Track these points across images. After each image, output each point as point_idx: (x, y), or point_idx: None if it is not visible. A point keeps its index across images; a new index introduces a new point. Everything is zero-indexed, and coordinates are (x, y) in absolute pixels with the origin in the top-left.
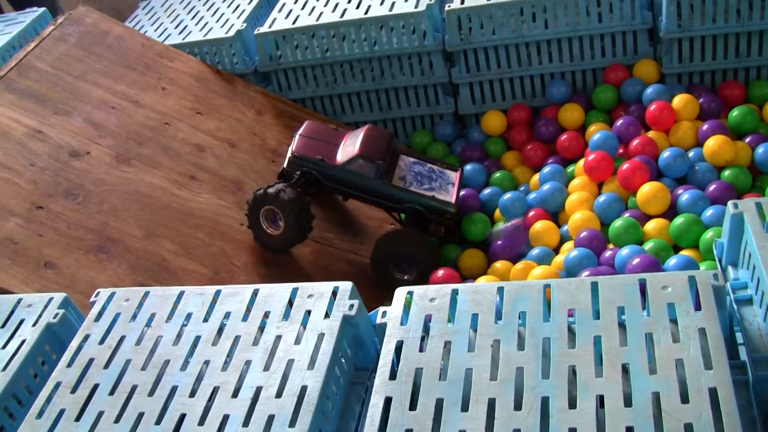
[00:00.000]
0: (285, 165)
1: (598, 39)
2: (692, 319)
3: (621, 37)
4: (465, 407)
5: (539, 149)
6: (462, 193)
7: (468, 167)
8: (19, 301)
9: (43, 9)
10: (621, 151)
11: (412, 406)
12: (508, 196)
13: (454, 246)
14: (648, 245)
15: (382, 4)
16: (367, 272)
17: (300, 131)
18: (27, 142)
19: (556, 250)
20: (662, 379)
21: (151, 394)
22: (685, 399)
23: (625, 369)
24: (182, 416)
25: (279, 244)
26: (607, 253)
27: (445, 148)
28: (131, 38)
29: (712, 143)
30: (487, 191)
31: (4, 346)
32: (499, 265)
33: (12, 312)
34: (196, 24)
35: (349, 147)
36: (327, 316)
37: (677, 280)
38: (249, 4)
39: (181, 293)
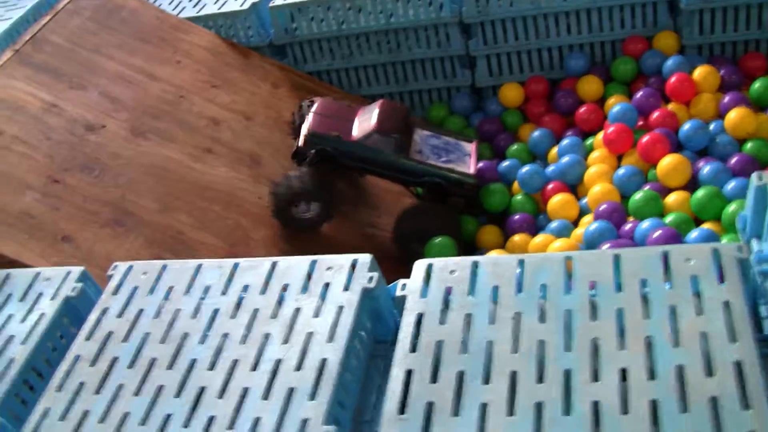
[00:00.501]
0: (300, 144)
1: (618, 10)
2: (716, 292)
3: (641, 8)
4: (486, 380)
5: (557, 121)
6: (480, 165)
7: (536, 133)
8: (37, 275)
9: None
10: (641, 123)
11: (433, 378)
12: (526, 168)
13: (471, 219)
14: (669, 218)
15: None
16: (385, 245)
17: (313, 109)
18: (43, 116)
19: (575, 223)
20: (686, 352)
21: (170, 367)
22: (709, 372)
23: (648, 342)
24: (202, 389)
25: (310, 225)
26: (627, 226)
27: (463, 120)
28: (145, 11)
29: (734, 115)
30: (505, 164)
31: (23, 320)
32: (517, 238)
33: (30, 286)
34: None
35: (364, 123)
36: (346, 288)
37: (701, 253)
38: None
39: (199, 266)
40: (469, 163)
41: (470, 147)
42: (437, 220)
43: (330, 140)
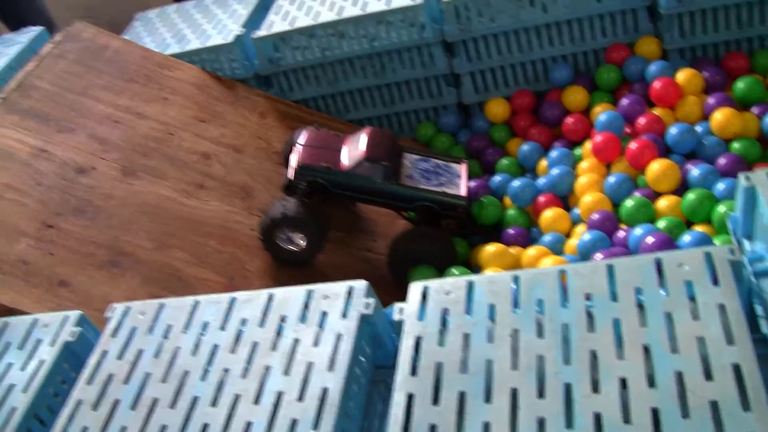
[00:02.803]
0: (291, 177)
1: (598, 19)
2: (711, 296)
3: (621, 15)
4: (488, 398)
5: (544, 133)
6: (472, 184)
7: (524, 147)
8: (35, 322)
9: (41, 28)
10: (627, 130)
11: (435, 401)
12: (517, 183)
13: (462, 240)
14: (661, 223)
15: None
16: (380, 269)
17: (301, 140)
18: (32, 162)
19: (568, 235)
20: (685, 358)
21: (172, 406)
22: (708, 376)
23: (646, 350)
24: (205, 426)
25: (301, 258)
26: (621, 234)
27: (450, 138)
28: (130, 51)
29: (719, 116)
30: (496, 179)
31: (23, 368)
32: (512, 251)
33: (29, 333)
34: (194, 32)
35: (353, 151)
36: (344, 316)
37: (693, 257)
38: (245, 8)
39: (197, 303)
40: (459, 184)
41: (460, 168)
42: (431, 244)
43: (320, 171)
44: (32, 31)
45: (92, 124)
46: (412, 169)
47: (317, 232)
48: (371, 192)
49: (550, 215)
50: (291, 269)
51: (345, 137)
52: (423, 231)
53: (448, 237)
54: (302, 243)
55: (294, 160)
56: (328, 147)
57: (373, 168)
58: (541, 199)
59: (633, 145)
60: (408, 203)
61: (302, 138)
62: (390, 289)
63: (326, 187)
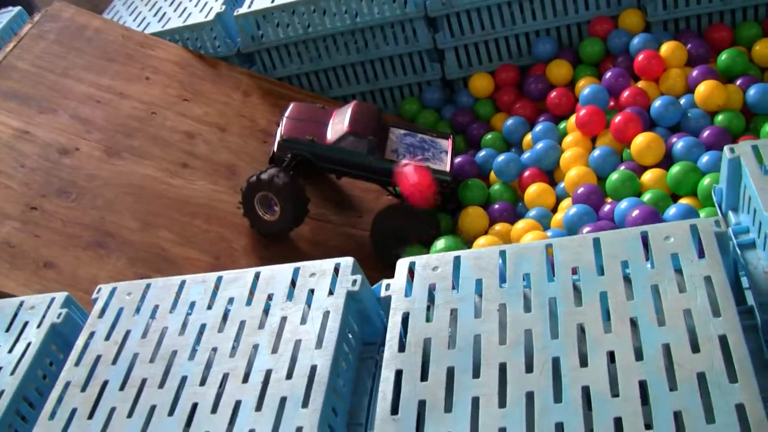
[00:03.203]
0: (275, 149)
1: None
2: (697, 268)
3: None
4: (476, 374)
5: (528, 108)
6: (458, 159)
7: (509, 121)
8: (21, 304)
9: (18, 8)
10: (612, 103)
11: (424, 376)
12: (501, 158)
13: (445, 215)
14: (646, 196)
15: None
16: (367, 245)
17: (287, 113)
18: (15, 144)
19: (554, 210)
20: (671, 330)
21: (161, 386)
22: (695, 348)
23: (633, 323)
24: (194, 405)
25: (276, 230)
26: (606, 208)
27: (435, 114)
28: (110, 30)
29: (703, 89)
30: (481, 154)
31: (10, 350)
32: (498, 227)
33: (15, 315)
34: (175, 10)
35: (338, 125)
36: (331, 293)
37: (679, 230)
38: None
39: (183, 282)
40: (445, 160)
41: (446, 143)
42: (414, 220)
43: (304, 144)
44: (10, 11)
45: (74, 104)
46: (398, 144)
47: (293, 200)
48: (355, 166)
49: (534, 190)
50: (277, 247)
51: (332, 111)
52: (405, 207)
53: (431, 212)
54: (281, 213)
55: (279, 132)
56: (314, 120)
57: (357, 142)
58: (527, 173)
59: (618, 119)
60: (392, 178)
61: (288, 111)
62: (377, 266)
63: (310, 160)
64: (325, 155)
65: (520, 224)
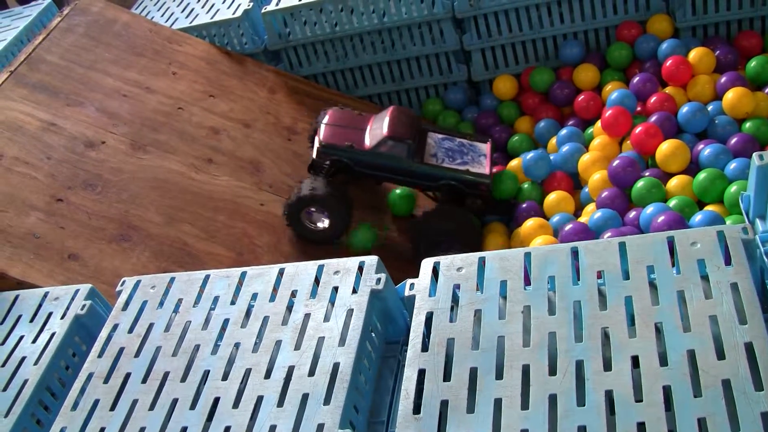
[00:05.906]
0: (314, 156)
1: None
2: (723, 274)
3: None
4: (499, 375)
5: (552, 112)
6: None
7: (541, 123)
8: (45, 295)
9: (48, 1)
10: (639, 108)
11: (446, 376)
12: (530, 155)
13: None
14: (672, 202)
15: None
16: (392, 245)
17: (324, 120)
18: (42, 136)
19: (577, 214)
20: (697, 337)
21: (183, 379)
22: (721, 355)
23: (658, 328)
24: (216, 400)
25: (327, 237)
26: (631, 214)
27: (456, 115)
28: (138, 25)
29: (731, 95)
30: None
31: (34, 340)
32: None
33: (40, 306)
34: (203, 6)
35: (376, 130)
36: (354, 291)
37: (706, 236)
38: None
39: (207, 277)
40: (484, 163)
41: (485, 147)
42: (456, 223)
43: (343, 150)
44: (40, 4)
45: (101, 97)
46: (437, 148)
47: (341, 213)
48: (394, 171)
49: (553, 198)
50: (300, 244)
51: (369, 117)
52: (447, 210)
53: (472, 215)
54: (326, 223)
55: (317, 139)
56: (353, 126)
57: (396, 147)
58: (552, 176)
59: (638, 130)
60: (431, 182)
61: (326, 117)
62: (402, 266)
63: (349, 166)
64: (365, 161)
65: (530, 222)
